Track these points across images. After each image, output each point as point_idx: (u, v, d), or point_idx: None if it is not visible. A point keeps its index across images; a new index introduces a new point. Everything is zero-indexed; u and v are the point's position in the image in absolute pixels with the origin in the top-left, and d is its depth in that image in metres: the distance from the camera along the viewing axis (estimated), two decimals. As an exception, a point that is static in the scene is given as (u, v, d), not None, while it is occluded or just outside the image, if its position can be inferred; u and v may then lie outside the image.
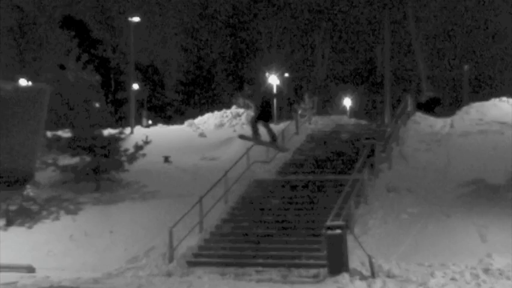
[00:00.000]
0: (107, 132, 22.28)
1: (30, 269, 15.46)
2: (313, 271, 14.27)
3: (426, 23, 49.42)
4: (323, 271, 13.88)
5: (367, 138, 21.22)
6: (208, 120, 31.01)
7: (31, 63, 49.85)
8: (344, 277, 13.21)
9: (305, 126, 27.24)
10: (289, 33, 55.52)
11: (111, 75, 51.54)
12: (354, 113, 47.55)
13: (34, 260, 15.94)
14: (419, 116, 25.53)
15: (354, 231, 15.19)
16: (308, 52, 55.51)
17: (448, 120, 25.15)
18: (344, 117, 35.26)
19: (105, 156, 21.13)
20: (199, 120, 31.52)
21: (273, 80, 44.99)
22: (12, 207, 18.99)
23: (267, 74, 45.81)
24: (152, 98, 55.99)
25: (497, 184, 17.91)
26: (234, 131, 26.54)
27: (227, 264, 15.01)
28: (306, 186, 19.20)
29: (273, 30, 55.62)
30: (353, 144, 23.19)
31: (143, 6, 52.16)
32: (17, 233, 18.02)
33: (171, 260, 15.40)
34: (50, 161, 20.83)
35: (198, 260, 15.54)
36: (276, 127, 26.64)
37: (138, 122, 38.25)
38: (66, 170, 21.09)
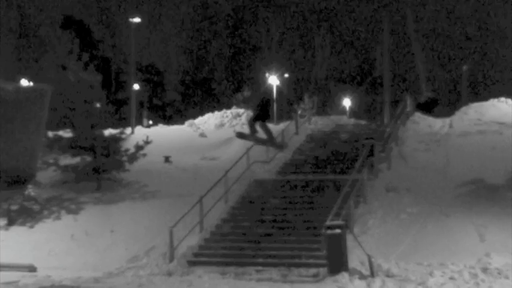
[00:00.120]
0: (108, 132, 22.35)
1: (32, 268, 15.52)
2: (312, 270, 14.32)
3: (425, 23, 49.45)
4: (323, 270, 13.93)
5: (366, 138, 21.30)
6: (208, 121, 31.09)
7: (32, 64, 49.86)
8: (343, 276, 13.25)
9: (305, 126, 27.30)
10: (289, 34, 55.56)
11: (112, 76, 51.57)
12: (354, 113, 47.59)
13: (35, 260, 16.00)
14: (419, 116, 25.59)
15: (354, 230, 15.24)
16: (308, 52, 55.55)
17: (447, 120, 25.21)
18: (343, 117, 35.33)
19: (106, 156, 21.19)
20: (199, 120, 31.61)
21: (273, 81, 45.05)
22: (14, 207, 19.06)
23: (267, 74, 45.89)
24: (153, 98, 56.02)
25: (496, 184, 17.96)
26: (234, 131, 26.58)
27: (227, 264, 15.06)
28: (305, 186, 19.26)
29: (272, 31, 55.68)
30: (352, 144, 23.27)
31: (144, 6, 52.19)
32: (18, 232, 18.07)
33: (171, 259, 15.46)
34: (51, 161, 20.89)
35: (198, 259, 15.59)
36: (276, 127, 26.79)
37: (139, 122, 38.34)
38: (67, 170, 21.17)
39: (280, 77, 47.80)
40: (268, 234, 16.38)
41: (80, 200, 19.76)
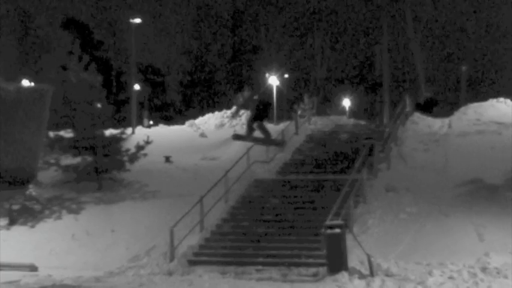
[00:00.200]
0: (109, 132, 22.39)
1: (33, 268, 15.57)
2: (312, 270, 14.36)
3: (424, 23, 49.49)
4: (322, 270, 13.97)
5: (366, 139, 21.37)
6: (208, 121, 31.13)
7: (33, 64, 49.96)
8: (343, 276, 13.30)
9: (305, 126, 27.33)
10: (289, 34, 55.61)
11: (113, 76, 51.66)
12: (353, 113, 47.64)
13: (36, 259, 16.05)
14: (418, 117, 25.63)
15: (353, 230, 15.28)
16: (308, 53, 55.60)
17: (446, 120, 25.25)
18: (343, 117, 35.36)
19: (107, 156, 21.25)
20: (199, 120, 31.64)
21: (273, 81, 45.13)
22: (15, 207, 19.11)
23: (267, 74, 45.96)
24: (153, 98, 56.11)
25: (495, 184, 18.00)
26: (235, 131, 26.67)
27: (227, 263, 15.10)
28: (305, 186, 19.32)
29: (272, 31, 55.74)
30: (352, 144, 23.33)
31: (144, 7, 52.29)
32: (19, 232, 18.12)
33: (172, 259, 15.50)
34: (52, 161, 20.95)
35: (198, 259, 15.64)
36: (276, 127, 26.90)
37: (140, 122, 38.39)
38: (68, 170, 21.21)
39: (280, 77, 47.89)
40: (268, 234, 16.43)
41: (80, 200, 19.80)
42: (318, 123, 28.61)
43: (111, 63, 52.89)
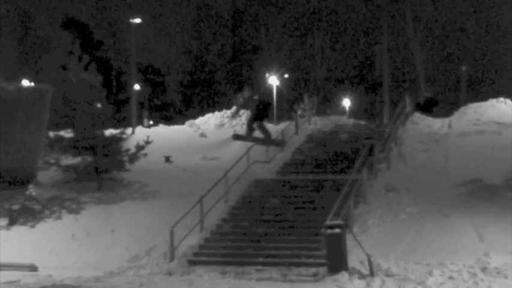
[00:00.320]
0: (109, 132, 22.41)
1: (33, 268, 15.59)
2: (312, 270, 14.38)
3: (424, 23, 49.52)
4: (322, 270, 13.99)
5: (366, 139, 21.38)
6: (208, 121, 31.15)
7: (33, 64, 50.00)
8: (343, 276, 13.31)
9: (305, 126, 27.37)
10: (289, 34, 55.65)
11: (113, 76, 51.69)
12: (353, 113, 47.66)
13: (36, 259, 16.07)
14: (418, 117, 25.65)
15: (353, 230, 15.30)
16: (308, 53, 55.63)
17: (446, 120, 25.27)
18: (343, 117, 35.39)
19: (107, 156, 21.27)
20: (199, 120, 31.67)
21: (273, 81, 45.14)
22: (15, 207, 19.12)
23: (267, 74, 45.99)
24: (153, 98, 56.16)
25: (495, 184, 18.02)
26: (235, 131, 26.70)
27: (227, 263, 15.12)
28: (305, 186, 19.34)
29: (272, 31, 55.77)
30: (352, 144, 23.35)
31: (144, 7, 52.32)
32: (19, 232, 18.14)
33: (172, 259, 15.52)
34: (52, 161, 20.96)
35: (198, 258, 15.66)
36: (276, 127, 26.92)
37: (140, 122, 38.43)
38: (68, 170, 21.24)
39: (280, 77, 47.92)
40: (268, 234, 16.45)
41: (80, 200, 19.82)
42: (318, 123, 28.65)
43: (111, 63, 52.92)
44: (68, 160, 21.64)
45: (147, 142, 21.96)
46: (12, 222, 18.63)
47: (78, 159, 21.59)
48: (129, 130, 28.56)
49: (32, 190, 19.49)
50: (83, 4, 54.10)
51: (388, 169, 19.97)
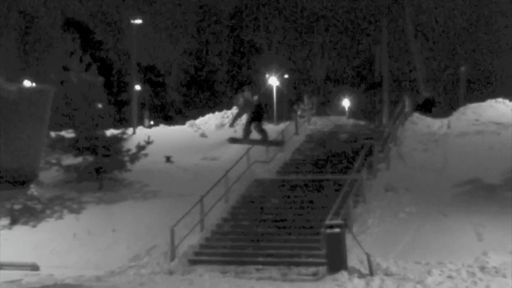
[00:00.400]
0: (110, 132, 22.47)
1: (35, 267, 15.68)
2: (312, 269, 14.44)
3: (424, 24, 49.57)
4: (322, 269, 14.05)
5: (365, 139, 21.45)
6: (209, 121, 31.19)
7: (35, 65, 50.04)
8: (343, 275, 13.37)
9: (304, 126, 27.42)
10: (289, 35, 55.71)
11: (114, 77, 51.69)
12: (353, 113, 47.70)
13: (38, 258, 16.14)
14: (417, 117, 25.72)
15: (353, 230, 15.36)
16: (308, 53, 55.68)
17: (445, 120, 25.33)
18: (343, 117, 35.40)
19: (108, 156, 21.33)
20: (200, 120, 31.70)
21: (273, 81, 45.23)
22: (17, 206, 19.20)
23: (267, 75, 46.07)
24: (154, 98, 56.20)
25: (494, 184, 18.09)
26: (235, 131, 26.75)
27: (228, 263, 15.19)
28: (305, 185, 19.40)
29: (272, 31, 55.83)
30: (352, 144, 23.41)
31: (145, 7, 52.35)
32: (21, 231, 18.21)
33: (172, 258, 15.59)
34: (53, 161, 21.03)
35: (199, 258, 15.73)
36: (276, 128, 26.98)
37: (140, 122, 38.48)
38: (69, 170, 21.29)
39: (280, 77, 48.00)
40: (269, 234, 16.53)
41: (82, 200, 19.88)
42: (318, 124, 28.70)
43: (113, 64, 52.94)
44: (69, 160, 21.71)
45: (148, 142, 22.03)
46: (14, 221, 18.69)
47: (79, 159, 21.66)
48: (129, 130, 28.60)
49: (33, 190, 19.57)
50: (84, 5, 54.14)
51: (388, 169, 20.03)
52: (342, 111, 49.31)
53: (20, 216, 18.97)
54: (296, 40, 55.82)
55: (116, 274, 15.01)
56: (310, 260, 14.96)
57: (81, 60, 22.06)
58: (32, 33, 52.55)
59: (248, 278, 14.22)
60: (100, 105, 22.12)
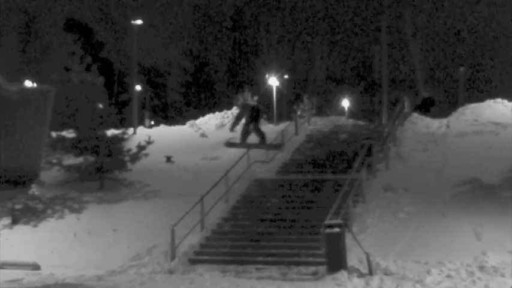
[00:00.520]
0: (110, 132, 22.51)
1: (36, 267, 15.73)
2: (312, 268, 14.48)
3: (424, 24, 49.65)
4: (322, 269, 14.09)
5: (365, 139, 21.49)
6: (209, 121, 31.24)
7: (36, 65, 50.11)
8: (342, 274, 13.40)
9: (304, 126, 27.48)
10: (289, 35, 55.77)
11: (114, 77, 51.79)
12: (352, 113, 47.79)
13: (39, 258, 16.20)
14: (416, 117, 25.79)
15: (352, 229, 15.40)
16: (307, 54, 55.75)
17: (444, 121, 25.38)
18: (342, 118, 35.48)
19: (109, 156, 21.38)
20: (200, 120, 31.76)
21: (273, 82, 45.28)
22: (18, 206, 19.23)
23: (267, 75, 46.13)
24: (154, 99, 56.29)
25: (493, 183, 18.13)
26: (235, 131, 26.80)
27: (228, 262, 15.24)
28: (305, 185, 19.44)
29: (272, 32, 55.89)
30: (351, 144, 23.46)
31: (146, 8, 52.44)
32: (22, 231, 18.26)
33: (173, 257, 15.64)
34: (54, 161, 21.08)
35: (199, 257, 15.78)
36: (276, 128, 27.04)
37: (141, 122, 38.55)
38: (70, 170, 21.35)
39: (280, 78, 48.07)
40: (268, 233, 16.57)
41: (83, 199, 19.92)
42: (318, 124, 28.76)
43: (113, 65, 53.03)
44: (70, 160, 21.76)
45: (149, 142, 22.07)
46: (15, 221, 18.74)
47: (80, 159, 21.72)
48: (130, 130, 28.61)
49: (34, 190, 19.60)
50: (85, 5, 54.24)
51: (387, 169, 20.08)
52: (341, 112, 49.39)
53: (21, 216, 19.03)
54: (296, 40, 55.89)
55: (116, 273, 15.06)
56: (310, 259, 15.00)
57: (82, 61, 22.12)
58: (33, 34, 52.63)
59: (248, 277, 14.27)
60: (101, 106, 22.16)
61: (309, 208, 17.73)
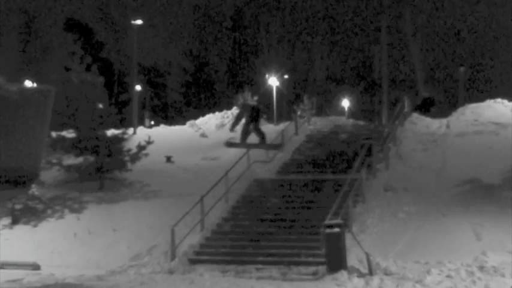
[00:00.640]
0: (110, 132, 22.53)
1: (36, 267, 15.74)
2: (312, 268, 14.49)
3: (424, 24, 49.68)
4: (322, 269, 14.10)
5: (365, 139, 21.49)
6: (209, 121, 31.26)
7: (36, 65, 50.14)
8: (342, 274, 13.42)
9: (304, 126, 27.49)
10: (289, 35, 55.81)
11: (114, 77, 51.81)
12: (352, 113, 47.82)
13: (39, 258, 16.21)
14: (416, 117, 25.80)
15: (352, 229, 15.42)
16: (307, 54, 55.78)
17: (444, 121, 25.40)
18: (342, 118, 35.51)
19: (109, 156, 21.39)
20: (200, 120, 31.78)
21: (273, 82, 45.29)
22: (18, 206, 19.25)
23: (267, 75, 46.14)
24: (154, 99, 56.32)
25: (493, 183, 18.14)
26: (235, 131, 26.81)
27: (228, 262, 15.25)
28: (305, 185, 19.45)
29: (272, 32, 55.92)
30: (351, 144, 23.48)
31: (146, 8, 52.47)
32: (22, 231, 18.27)
33: (173, 257, 15.65)
34: (54, 161, 21.09)
35: (199, 257, 15.79)
36: (276, 128, 27.05)
37: (141, 122, 38.57)
38: (70, 170, 21.36)
39: (280, 78, 48.08)
40: (268, 233, 16.58)
41: (83, 199, 19.94)
42: (318, 124, 28.78)
43: (113, 65, 53.05)
44: (70, 160, 21.77)
45: (149, 142, 22.08)
46: (15, 221, 18.75)
47: (80, 159, 21.72)
48: (130, 130, 28.63)
49: (34, 190, 19.61)
50: (85, 5, 54.27)
51: (387, 169, 20.09)
52: (341, 112, 49.42)
53: (21, 216, 19.04)
54: (296, 40, 55.92)
55: (116, 273, 15.07)
56: (310, 259, 15.01)
57: (82, 61, 22.12)
58: (32, 34, 52.65)
59: (248, 277, 14.28)
60: (101, 106, 22.17)
61: (309, 208, 17.74)
